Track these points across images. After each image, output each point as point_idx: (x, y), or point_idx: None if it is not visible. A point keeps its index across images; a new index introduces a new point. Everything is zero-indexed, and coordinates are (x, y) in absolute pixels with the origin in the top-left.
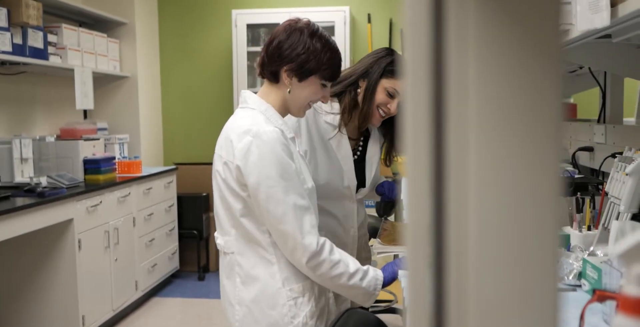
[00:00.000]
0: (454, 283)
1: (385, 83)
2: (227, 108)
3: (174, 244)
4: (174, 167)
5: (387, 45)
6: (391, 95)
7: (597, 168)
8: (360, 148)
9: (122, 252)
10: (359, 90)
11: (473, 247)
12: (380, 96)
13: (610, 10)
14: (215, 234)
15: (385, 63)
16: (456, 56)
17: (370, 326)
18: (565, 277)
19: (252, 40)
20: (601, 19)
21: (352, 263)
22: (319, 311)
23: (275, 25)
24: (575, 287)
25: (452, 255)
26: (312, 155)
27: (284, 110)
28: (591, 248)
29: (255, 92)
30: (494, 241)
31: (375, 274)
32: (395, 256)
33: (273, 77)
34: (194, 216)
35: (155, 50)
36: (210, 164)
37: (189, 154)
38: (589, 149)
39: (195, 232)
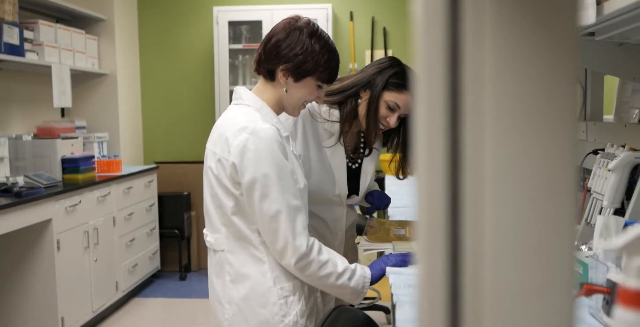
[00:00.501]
0: (470, 278)
1: (386, 96)
2: (208, 106)
3: (154, 244)
4: (154, 166)
5: (370, 43)
6: (391, 109)
7: (579, 164)
8: (360, 160)
9: (102, 252)
10: (359, 100)
11: (489, 243)
12: (380, 110)
13: (596, 8)
14: (205, 231)
15: (388, 75)
16: (472, 49)
17: (360, 323)
18: None
19: (234, 37)
20: (587, 16)
21: (340, 262)
22: (308, 310)
23: (258, 22)
24: None
25: (468, 251)
26: (306, 160)
27: (278, 108)
28: (574, 243)
29: (250, 89)
30: (510, 236)
31: (363, 272)
32: (380, 253)
33: (269, 75)
34: (175, 215)
35: (135, 48)
36: (192, 162)
37: (170, 152)
38: None
39: (176, 231)
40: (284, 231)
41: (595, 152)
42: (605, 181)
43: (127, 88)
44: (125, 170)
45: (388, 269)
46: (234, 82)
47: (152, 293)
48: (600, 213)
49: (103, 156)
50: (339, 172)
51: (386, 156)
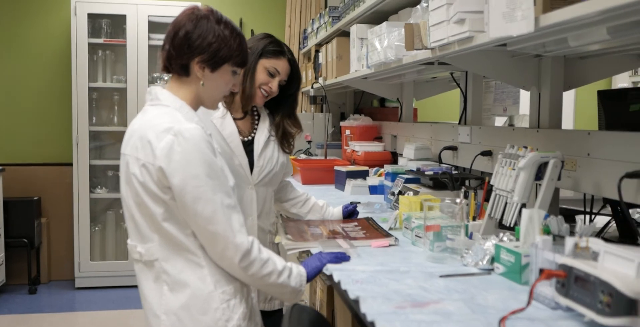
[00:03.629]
0: None
1: (264, 63)
2: (64, 104)
3: None
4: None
5: None
6: (271, 75)
7: (462, 165)
8: (252, 134)
9: None
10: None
11: None
12: (260, 76)
13: (533, 20)
14: (130, 242)
15: (264, 44)
16: None
17: (314, 319)
18: (480, 262)
19: (93, 31)
20: (519, 27)
21: (279, 261)
22: (249, 312)
23: (121, 16)
24: (489, 270)
25: None
26: None
27: (195, 104)
28: (478, 235)
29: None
30: None
31: (298, 270)
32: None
33: (183, 70)
34: (23, 223)
35: None
36: (42, 164)
37: (16, 153)
38: (453, 148)
39: (25, 240)
40: (222, 230)
41: (483, 153)
42: (510, 179)
43: None
44: None
45: (329, 266)
46: (93, 78)
47: None
48: (504, 208)
49: None
50: (232, 141)
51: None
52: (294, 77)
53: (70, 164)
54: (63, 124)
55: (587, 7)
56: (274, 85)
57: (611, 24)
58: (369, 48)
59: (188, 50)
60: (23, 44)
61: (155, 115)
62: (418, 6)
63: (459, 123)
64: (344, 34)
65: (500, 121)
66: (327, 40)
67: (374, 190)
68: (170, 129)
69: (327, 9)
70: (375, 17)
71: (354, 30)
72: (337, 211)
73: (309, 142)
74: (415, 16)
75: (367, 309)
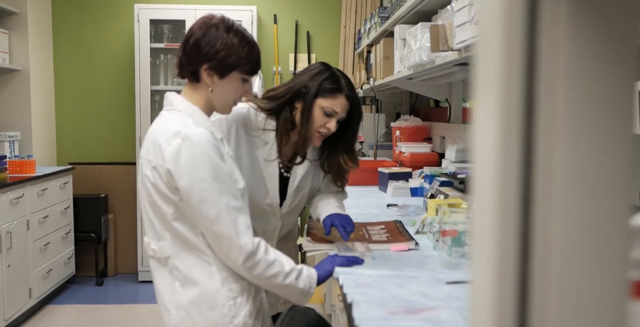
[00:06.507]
0: (539, 269)
1: (321, 102)
2: (127, 106)
3: (69, 248)
4: (70, 167)
5: (293, 47)
6: (328, 115)
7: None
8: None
9: (15, 257)
10: (295, 111)
11: (557, 236)
12: (317, 118)
13: None
14: (146, 239)
15: (319, 81)
16: (548, 56)
17: (312, 321)
18: None
19: (155, 36)
20: None
21: (287, 262)
22: (256, 310)
23: (180, 22)
24: None
25: (538, 246)
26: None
27: (209, 109)
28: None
29: (174, 90)
30: (576, 232)
31: (309, 272)
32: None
33: (193, 77)
34: (91, 218)
35: (49, 43)
36: (109, 163)
37: (85, 153)
38: None
39: (92, 235)
40: (227, 232)
41: None
42: None
43: (40, 85)
44: (39, 171)
45: (338, 269)
46: (155, 82)
47: (66, 300)
48: None
49: (15, 156)
50: (271, 181)
51: None
52: (354, 113)
53: (134, 163)
54: (127, 125)
55: None
56: (331, 125)
57: None
58: (407, 49)
59: (196, 57)
60: (90, 49)
61: (168, 120)
62: (448, 7)
63: None
64: (391, 34)
65: None
66: (376, 41)
67: (415, 192)
68: (179, 134)
69: (377, 9)
70: (418, 18)
71: (397, 30)
72: (323, 212)
73: (362, 142)
74: (444, 17)
75: (359, 313)
